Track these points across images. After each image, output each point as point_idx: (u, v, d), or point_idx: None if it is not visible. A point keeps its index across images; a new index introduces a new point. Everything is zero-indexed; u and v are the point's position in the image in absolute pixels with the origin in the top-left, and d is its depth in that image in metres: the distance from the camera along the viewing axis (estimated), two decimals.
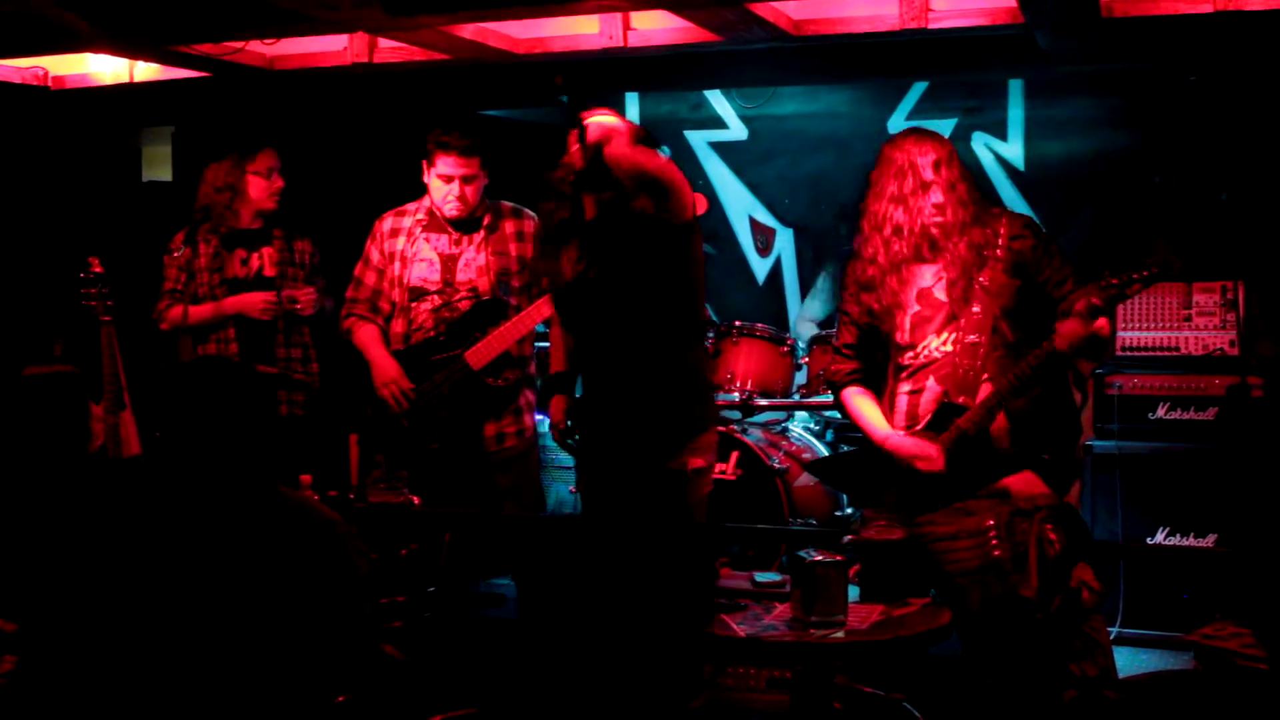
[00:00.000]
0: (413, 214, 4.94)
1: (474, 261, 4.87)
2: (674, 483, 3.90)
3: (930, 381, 3.89)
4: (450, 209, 4.85)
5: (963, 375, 3.84)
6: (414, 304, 4.87)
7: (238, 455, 2.65)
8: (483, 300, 4.85)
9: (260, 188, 5.38)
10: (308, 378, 5.43)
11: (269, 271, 5.40)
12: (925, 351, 3.91)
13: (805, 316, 6.55)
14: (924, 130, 4.02)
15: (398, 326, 4.90)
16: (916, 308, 3.93)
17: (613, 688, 1.85)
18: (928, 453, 3.83)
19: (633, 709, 1.85)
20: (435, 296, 4.86)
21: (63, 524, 2.61)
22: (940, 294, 3.89)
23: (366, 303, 4.95)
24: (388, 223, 4.96)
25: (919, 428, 3.89)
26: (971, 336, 3.83)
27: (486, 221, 4.91)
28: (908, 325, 3.94)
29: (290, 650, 2.53)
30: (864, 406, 4.04)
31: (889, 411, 3.99)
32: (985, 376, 3.82)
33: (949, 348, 3.86)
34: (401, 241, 4.90)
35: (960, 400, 3.83)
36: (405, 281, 4.87)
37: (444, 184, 4.84)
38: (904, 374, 3.96)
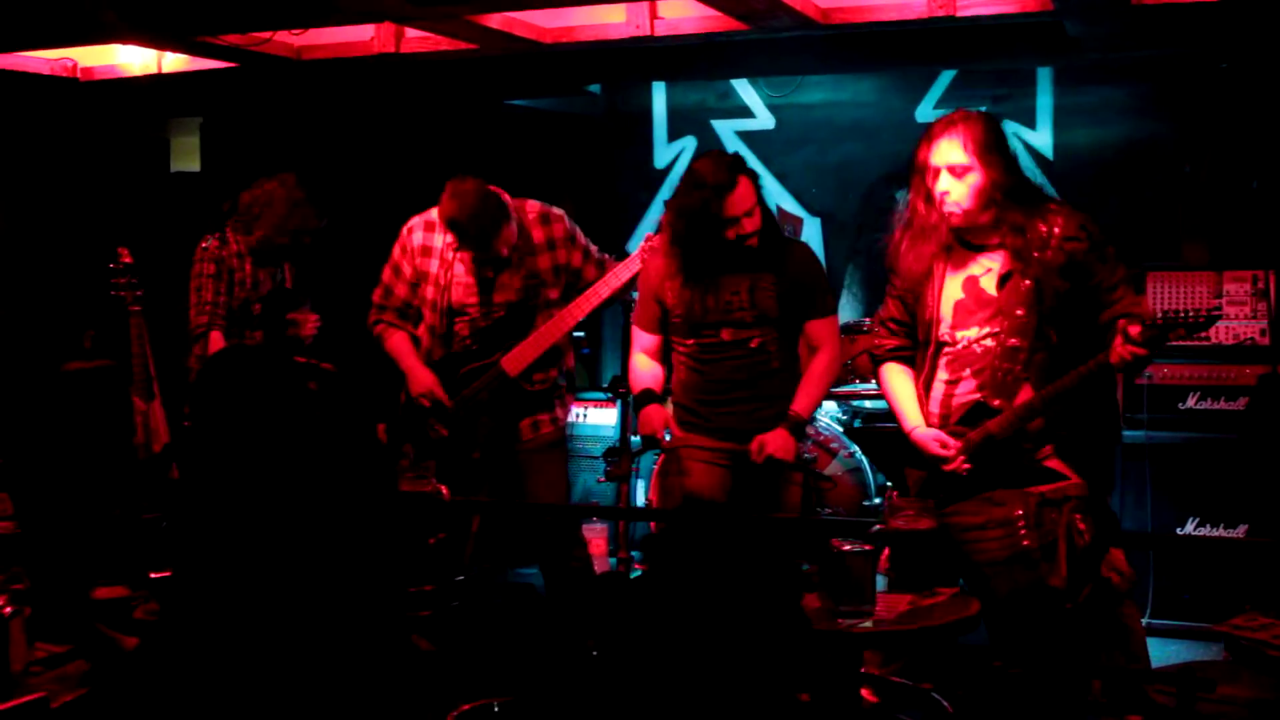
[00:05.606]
0: (442, 233, 4.80)
1: (509, 285, 4.80)
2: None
3: (967, 374, 3.80)
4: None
5: (1001, 378, 3.75)
6: (452, 318, 4.84)
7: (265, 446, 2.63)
8: (514, 306, 4.80)
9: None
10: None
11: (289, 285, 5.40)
12: (964, 342, 3.81)
13: None
14: (949, 118, 3.79)
15: (429, 332, 4.89)
16: (961, 295, 3.81)
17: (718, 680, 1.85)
18: (949, 452, 3.77)
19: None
20: (473, 309, 4.82)
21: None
22: (988, 286, 3.78)
23: (396, 311, 4.90)
24: (418, 237, 4.85)
25: (950, 426, 3.82)
26: (1014, 340, 3.73)
27: (520, 249, 4.79)
28: (949, 313, 3.83)
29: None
30: (900, 389, 3.95)
31: (925, 395, 3.90)
32: (1025, 380, 3.72)
33: (990, 343, 3.76)
34: (435, 265, 4.83)
35: (996, 403, 3.75)
36: (441, 305, 4.82)
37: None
38: (942, 361, 3.86)
